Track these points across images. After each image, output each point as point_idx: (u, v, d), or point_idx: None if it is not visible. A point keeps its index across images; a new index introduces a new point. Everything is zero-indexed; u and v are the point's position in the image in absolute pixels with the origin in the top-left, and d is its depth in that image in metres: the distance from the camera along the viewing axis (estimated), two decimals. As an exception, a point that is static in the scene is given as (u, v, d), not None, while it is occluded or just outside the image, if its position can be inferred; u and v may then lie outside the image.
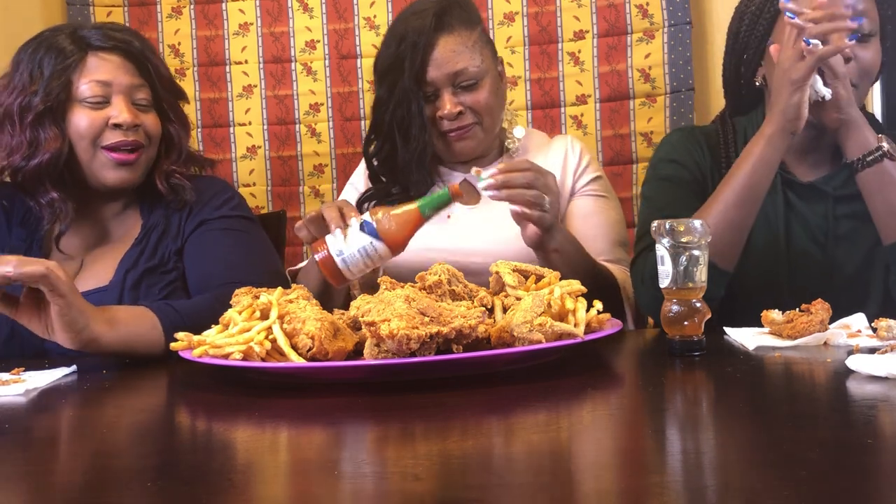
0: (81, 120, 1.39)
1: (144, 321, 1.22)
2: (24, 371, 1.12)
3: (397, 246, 1.16)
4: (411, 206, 1.17)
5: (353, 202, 1.64)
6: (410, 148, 1.56)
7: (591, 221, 1.57)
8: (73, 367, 1.15)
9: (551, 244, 1.32)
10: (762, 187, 1.30)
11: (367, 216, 1.17)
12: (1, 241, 1.45)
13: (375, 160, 1.63)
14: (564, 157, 1.64)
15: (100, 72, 1.40)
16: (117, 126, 1.39)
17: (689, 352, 1.02)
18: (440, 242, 1.54)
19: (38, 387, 1.05)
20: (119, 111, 1.40)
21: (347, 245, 1.14)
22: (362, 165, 1.71)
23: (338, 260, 1.14)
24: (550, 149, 1.67)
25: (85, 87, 1.40)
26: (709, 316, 1.04)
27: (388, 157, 1.61)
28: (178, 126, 1.50)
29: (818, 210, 1.40)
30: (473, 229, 1.57)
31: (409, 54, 1.53)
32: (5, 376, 1.09)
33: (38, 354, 1.26)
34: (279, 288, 1.08)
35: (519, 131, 1.67)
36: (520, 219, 1.29)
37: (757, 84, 1.45)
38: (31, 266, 1.08)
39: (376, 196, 1.63)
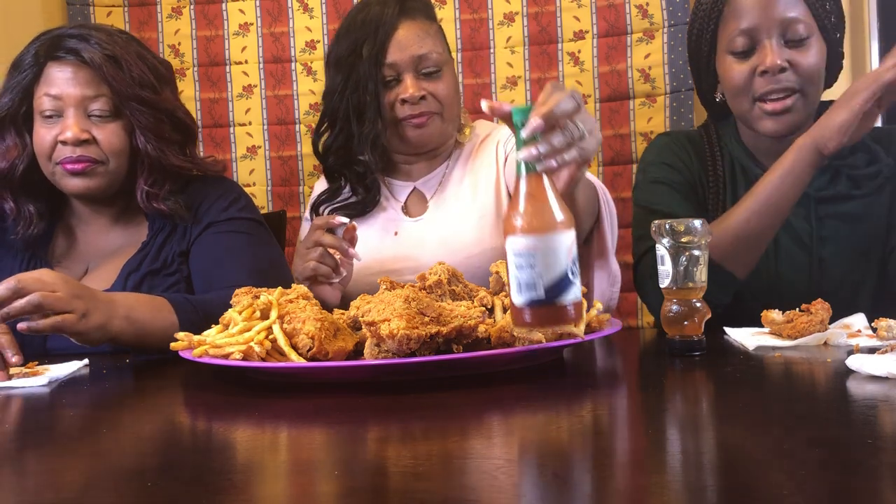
0: (36, 136, 1.39)
1: (162, 314, 1.24)
2: (39, 365, 1.16)
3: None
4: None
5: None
6: (364, 132, 1.53)
7: None
8: (85, 361, 1.18)
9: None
10: (788, 199, 1.28)
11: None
12: (7, 242, 1.46)
13: (330, 152, 1.61)
14: (510, 138, 1.63)
15: (53, 84, 1.38)
16: (64, 142, 1.37)
17: (689, 352, 1.02)
18: (390, 258, 1.54)
19: (60, 377, 1.08)
20: (65, 127, 1.37)
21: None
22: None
23: None
24: (499, 132, 1.65)
25: (41, 99, 1.39)
26: (709, 316, 1.03)
27: (342, 148, 1.59)
28: (151, 138, 1.41)
29: (800, 212, 1.40)
30: (421, 243, 1.56)
31: (370, 38, 1.51)
32: (25, 369, 1.13)
33: (39, 356, 1.26)
34: (279, 288, 1.08)
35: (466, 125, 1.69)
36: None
37: (717, 100, 1.47)
38: (22, 302, 1.10)
39: (330, 197, 1.63)
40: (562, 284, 0.86)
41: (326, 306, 1.31)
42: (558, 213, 0.87)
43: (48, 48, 1.39)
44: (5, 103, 1.40)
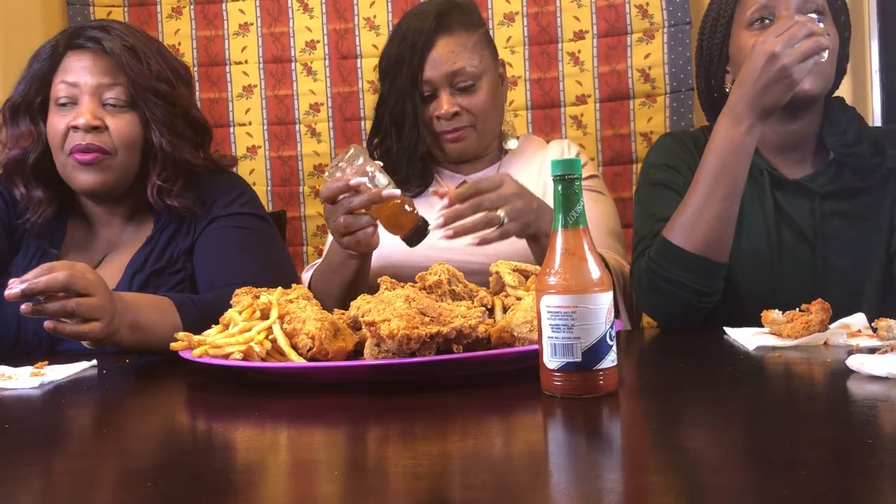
0: (50, 124, 1.39)
1: (167, 317, 1.24)
2: (48, 365, 1.14)
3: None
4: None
5: None
6: (403, 145, 1.59)
7: None
8: (94, 362, 1.18)
9: (531, 233, 1.34)
10: (733, 172, 1.26)
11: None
12: (18, 238, 1.46)
13: (378, 154, 1.65)
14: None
15: (70, 72, 1.38)
16: (76, 128, 1.36)
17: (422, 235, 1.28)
18: (436, 243, 1.55)
19: (55, 381, 1.07)
20: (78, 113, 1.36)
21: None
22: None
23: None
24: (547, 152, 1.68)
25: (57, 87, 1.39)
26: (417, 221, 1.27)
27: (386, 154, 1.63)
28: (165, 132, 1.40)
29: (805, 207, 1.40)
30: None
31: (407, 54, 1.56)
32: (28, 370, 1.11)
33: (48, 356, 1.25)
34: (279, 288, 1.08)
35: (512, 143, 1.69)
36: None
37: (727, 89, 1.47)
38: (56, 306, 1.09)
39: None
40: (600, 348, 0.81)
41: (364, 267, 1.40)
42: (598, 272, 0.82)
43: (68, 38, 1.41)
44: (21, 90, 1.41)
